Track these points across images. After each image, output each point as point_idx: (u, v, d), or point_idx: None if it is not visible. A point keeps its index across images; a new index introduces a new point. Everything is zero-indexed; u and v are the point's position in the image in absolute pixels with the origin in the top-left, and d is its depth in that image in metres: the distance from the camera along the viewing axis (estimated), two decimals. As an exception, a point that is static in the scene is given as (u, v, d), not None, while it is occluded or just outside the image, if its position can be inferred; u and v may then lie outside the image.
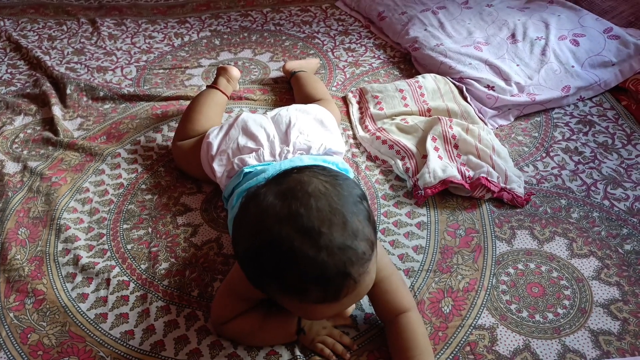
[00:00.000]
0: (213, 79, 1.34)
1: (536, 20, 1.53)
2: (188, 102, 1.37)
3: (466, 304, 0.89)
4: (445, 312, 0.88)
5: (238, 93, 1.40)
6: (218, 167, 1.00)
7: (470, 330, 0.85)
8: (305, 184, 0.62)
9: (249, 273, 0.66)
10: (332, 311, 0.66)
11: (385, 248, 0.98)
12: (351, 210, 0.61)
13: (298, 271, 0.59)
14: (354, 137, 1.27)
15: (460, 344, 0.83)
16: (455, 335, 0.84)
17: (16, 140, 1.29)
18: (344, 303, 0.64)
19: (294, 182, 0.63)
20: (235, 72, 1.30)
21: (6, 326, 0.87)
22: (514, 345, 0.83)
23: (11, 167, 1.20)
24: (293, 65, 1.45)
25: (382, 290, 0.80)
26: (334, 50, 1.63)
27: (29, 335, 0.86)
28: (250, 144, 1.00)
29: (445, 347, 0.83)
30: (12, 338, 0.85)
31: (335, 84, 1.48)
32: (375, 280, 0.78)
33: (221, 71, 1.32)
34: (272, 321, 0.83)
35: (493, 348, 0.83)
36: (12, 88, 1.49)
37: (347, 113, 1.35)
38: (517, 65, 1.39)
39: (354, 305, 0.72)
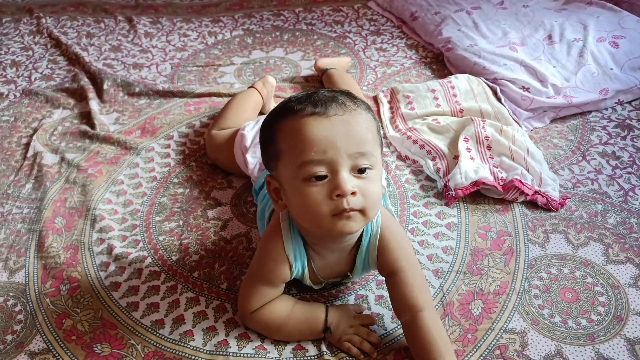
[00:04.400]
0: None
1: (574, 22, 1.50)
2: (220, 99, 1.41)
3: (497, 307, 0.87)
4: (475, 314, 0.86)
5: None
6: (251, 159, 1.02)
7: (500, 333, 0.84)
8: None
9: (263, 131, 0.75)
10: (323, 131, 0.67)
11: (414, 248, 0.97)
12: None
13: (299, 101, 0.71)
14: (385, 137, 1.26)
15: (489, 347, 0.82)
16: (484, 338, 0.83)
17: (55, 132, 1.33)
18: (334, 123, 0.68)
19: None
20: (271, 79, 1.33)
21: (42, 311, 0.90)
22: (545, 350, 0.81)
23: (49, 159, 1.24)
24: (325, 62, 1.46)
25: (400, 281, 0.79)
26: (366, 50, 1.63)
27: (63, 321, 0.88)
28: (284, 138, 1.01)
29: (474, 350, 0.81)
30: (47, 322, 0.88)
31: (366, 83, 1.48)
32: (396, 269, 0.79)
33: (262, 78, 1.34)
34: (299, 317, 0.83)
35: (524, 352, 0.81)
36: (52, 82, 1.54)
37: (378, 112, 1.34)
38: (554, 66, 1.36)
39: (352, 179, 0.69)
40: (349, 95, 0.72)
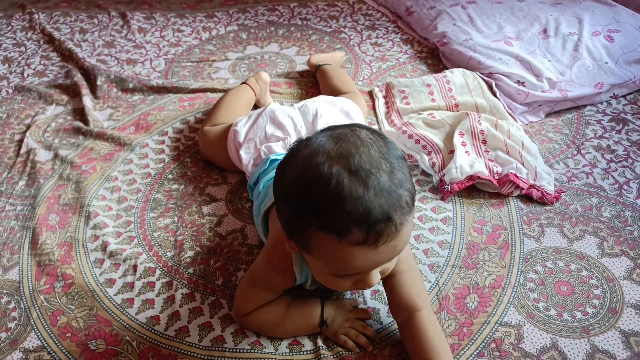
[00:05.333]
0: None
1: (569, 16, 1.50)
2: (215, 95, 1.40)
3: (492, 300, 0.88)
4: (470, 308, 0.87)
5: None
6: (245, 155, 1.01)
7: (496, 327, 0.84)
8: (357, 131, 0.64)
9: (290, 211, 0.64)
10: (367, 261, 0.63)
11: (409, 242, 0.97)
12: (397, 162, 0.62)
13: (344, 207, 0.58)
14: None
15: (485, 341, 0.82)
16: (480, 331, 0.83)
17: (48, 129, 1.32)
18: (380, 252, 0.62)
19: (345, 130, 0.65)
20: (264, 75, 1.31)
21: (37, 308, 0.89)
22: (540, 343, 0.81)
23: (43, 155, 1.23)
24: (318, 58, 1.45)
25: (399, 283, 0.79)
26: (361, 45, 1.62)
27: (58, 318, 0.88)
28: (278, 133, 1.01)
29: (470, 343, 0.82)
30: (42, 319, 0.87)
31: (361, 78, 1.47)
32: (395, 271, 0.78)
33: (255, 74, 1.33)
34: (295, 313, 0.83)
35: (519, 346, 0.81)
36: (45, 79, 1.52)
37: (373, 107, 1.34)
38: (549, 61, 1.36)
39: (379, 275, 0.69)
40: (407, 194, 0.61)
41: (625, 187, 1.08)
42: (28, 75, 1.54)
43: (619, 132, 1.23)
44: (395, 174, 0.60)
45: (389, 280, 0.80)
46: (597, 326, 0.83)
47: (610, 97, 1.33)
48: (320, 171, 0.59)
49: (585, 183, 1.10)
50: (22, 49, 1.68)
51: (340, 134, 0.64)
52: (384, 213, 0.58)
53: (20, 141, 1.28)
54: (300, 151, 0.64)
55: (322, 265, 0.67)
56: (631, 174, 1.11)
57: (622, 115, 1.29)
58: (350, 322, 0.83)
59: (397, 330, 0.83)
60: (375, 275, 0.68)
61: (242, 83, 1.29)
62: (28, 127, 1.32)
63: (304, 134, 1.00)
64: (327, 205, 0.59)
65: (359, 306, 0.87)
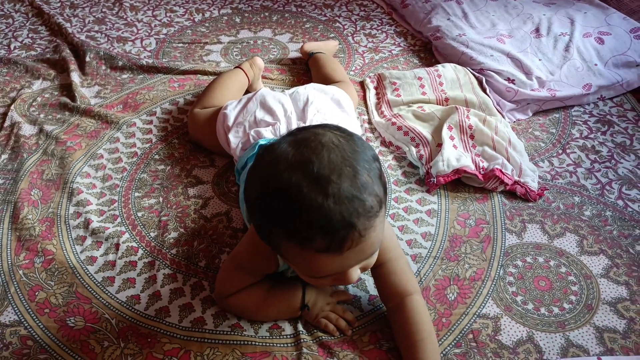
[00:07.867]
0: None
1: (562, 16, 1.51)
2: (205, 77, 1.39)
3: (472, 292, 0.89)
4: (450, 299, 0.88)
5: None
6: (233, 139, 1.00)
7: (474, 318, 0.85)
8: (320, 135, 0.63)
9: (257, 219, 0.65)
10: (335, 265, 0.63)
11: (394, 232, 0.98)
12: (363, 165, 0.61)
13: (304, 217, 0.58)
14: (369, 122, 1.26)
15: (463, 331, 0.83)
16: (459, 322, 0.84)
17: (34, 103, 1.30)
18: (347, 257, 0.62)
19: (309, 134, 0.64)
20: (259, 60, 1.30)
21: (15, 282, 0.88)
22: (517, 335, 0.83)
23: (27, 130, 1.21)
24: (311, 46, 1.44)
25: (388, 271, 0.80)
26: (354, 35, 1.62)
27: (36, 293, 0.87)
28: (268, 118, 1.00)
29: (449, 334, 0.83)
30: (20, 294, 0.87)
31: (353, 68, 1.47)
32: (382, 261, 0.79)
33: (250, 59, 1.31)
34: (276, 296, 0.83)
35: (496, 337, 0.82)
36: (32, 52, 1.50)
37: (364, 98, 1.34)
38: (540, 60, 1.37)
39: (359, 271, 0.68)
40: (371, 198, 0.60)
41: (607, 187, 1.10)
42: (15, 48, 1.51)
43: (604, 133, 1.25)
44: (359, 178, 0.59)
45: (377, 269, 0.80)
46: (572, 321, 0.85)
47: (598, 98, 1.35)
48: (281, 181, 0.59)
49: (568, 182, 1.11)
50: (10, 20, 1.65)
51: (302, 138, 0.63)
52: (345, 220, 0.58)
53: (4, 114, 1.26)
54: (264, 158, 0.64)
55: (297, 268, 0.69)
56: (614, 175, 1.13)
57: (608, 117, 1.30)
58: (331, 306, 0.83)
59: (378, 318, 0.84)
60: (355, 272, 0.68)
61: (236, 67, 1.28)
62: (13, 100, 1.30)
63: (293, 120, 1.00)
64: (288, 215, 0.59)
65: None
